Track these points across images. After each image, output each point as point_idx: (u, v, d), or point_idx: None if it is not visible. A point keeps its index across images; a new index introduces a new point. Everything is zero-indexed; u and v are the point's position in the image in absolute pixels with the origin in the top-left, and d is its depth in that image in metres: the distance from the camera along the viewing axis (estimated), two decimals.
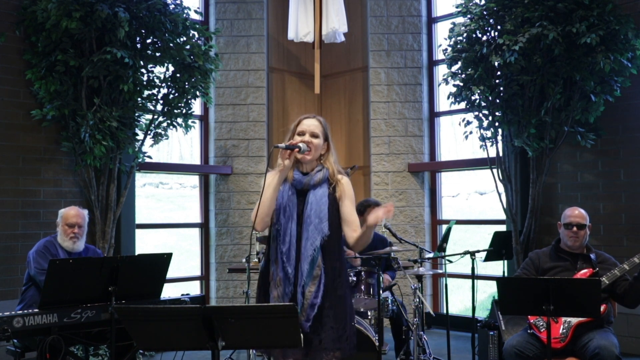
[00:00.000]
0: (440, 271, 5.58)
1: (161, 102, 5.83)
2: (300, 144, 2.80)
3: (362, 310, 4.73)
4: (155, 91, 5.78)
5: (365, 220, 2.75)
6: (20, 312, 3.44)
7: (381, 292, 4.23)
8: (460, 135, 6.11)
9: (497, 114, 5.67)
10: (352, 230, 2.83)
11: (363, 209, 5.06)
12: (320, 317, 2.75)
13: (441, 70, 7.20)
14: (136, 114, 5.70)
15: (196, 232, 7.43)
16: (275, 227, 2.82)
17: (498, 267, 5.92)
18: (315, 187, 2.83)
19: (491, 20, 5.59)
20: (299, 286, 2.75)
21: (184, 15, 5.79)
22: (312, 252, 2.74)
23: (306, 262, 2.74)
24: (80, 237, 4.20)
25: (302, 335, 2.39)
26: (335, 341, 2.75)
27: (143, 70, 5.61)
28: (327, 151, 2.93)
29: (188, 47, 5.71)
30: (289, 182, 2.85)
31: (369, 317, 4.74)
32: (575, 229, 3.89)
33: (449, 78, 5.86)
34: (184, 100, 5.88)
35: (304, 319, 2.71)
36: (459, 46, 5.76)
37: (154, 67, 5.74)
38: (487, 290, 7.49)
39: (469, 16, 5.75)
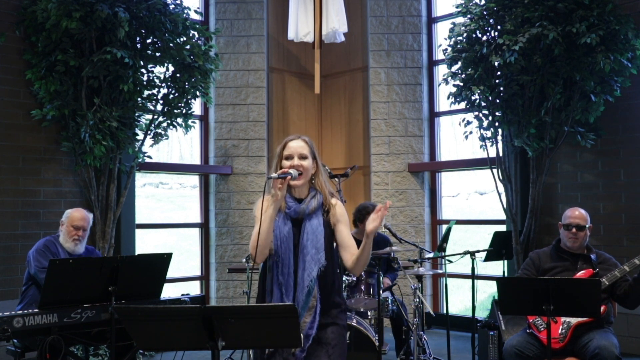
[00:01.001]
0: (440, 271, 5.58)
1: (161, 102, 5.83)
2: (291, 171, 2.73)
3: (362, 310, 4.72)
4: (155, 91, 5.79)
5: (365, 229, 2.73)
6: (20, 312, 3.44)
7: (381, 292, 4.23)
8: (460, 135, 6.12)
9: (497, 114, 5.67)
10: (351, 254, 2.79)
11: (362, 216, 5.02)
12: (325, 333, 2.73)
13: (441, 70, 7.20)
14: (136, 114, 5.71)
15: (196, 232, 7.43)
16: (274, 259, 2.77)
17: (498, 267, 5.92)
18: (311, 215, 2.79)
19: (491, 20, 5.60)
20: None
21: (184, 15, 5.79)
22: (309, 283, 2.71)
23: (302, 293, 2.71)
24: (83, 240, 4.24)
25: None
26: (341, 356, 2.76)
27: (143, 70, 5.61)
28: (316, 170, 2.89)
29: (188, 47, 5.72)
30: (283, 212, 2.81)
31: (369, 317, 4.74)
32: (574, 230, 3.89)
33: (449, 78, 5.87)
34: (184, 100, 5.89)
35: (299, 350, 2.69)
36: (459, 46, 5.76)
37: (154, 67, 5.74)
38: (487, 290, 7.49)
39: (469, 16, 5.75)
